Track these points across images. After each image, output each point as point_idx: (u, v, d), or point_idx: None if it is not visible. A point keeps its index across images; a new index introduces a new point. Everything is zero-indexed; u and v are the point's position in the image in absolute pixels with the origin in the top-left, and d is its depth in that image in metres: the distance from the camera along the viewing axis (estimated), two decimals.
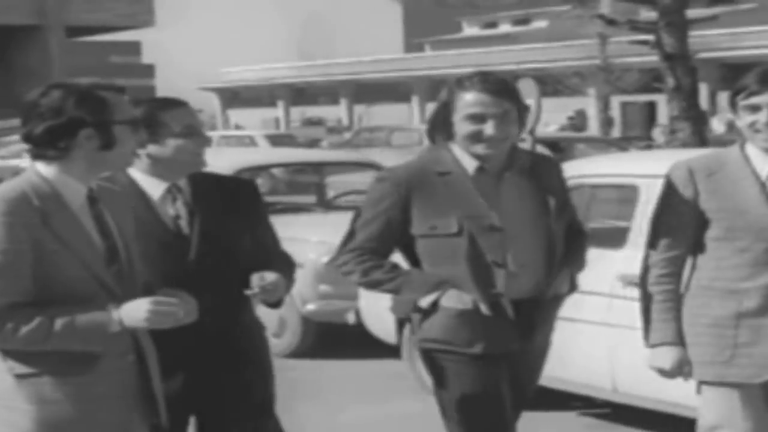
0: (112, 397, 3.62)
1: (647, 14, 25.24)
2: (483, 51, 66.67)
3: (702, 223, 4.26)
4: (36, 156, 3.60)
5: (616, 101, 51.65)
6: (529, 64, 55.69)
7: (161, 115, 4.29)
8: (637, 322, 4.22)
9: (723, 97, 55.98)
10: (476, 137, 4.28)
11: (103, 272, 3.59)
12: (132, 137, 3.68)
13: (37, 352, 3.50)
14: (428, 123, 4.50)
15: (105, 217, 3.68)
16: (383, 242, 4.38)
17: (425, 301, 4.32)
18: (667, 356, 4.31)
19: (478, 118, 4.27)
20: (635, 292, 6.41)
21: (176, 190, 4.37)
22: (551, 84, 42.03)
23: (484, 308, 4.25)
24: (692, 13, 22.88)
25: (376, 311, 8.42)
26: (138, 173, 4.33)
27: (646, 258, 4.41)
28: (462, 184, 4.32)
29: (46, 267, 3.49)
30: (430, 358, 4.41)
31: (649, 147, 32.23)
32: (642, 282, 4.44)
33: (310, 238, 9.32)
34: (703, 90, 55.98)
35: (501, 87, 4.33)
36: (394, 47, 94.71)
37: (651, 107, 53.09)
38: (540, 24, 79.00)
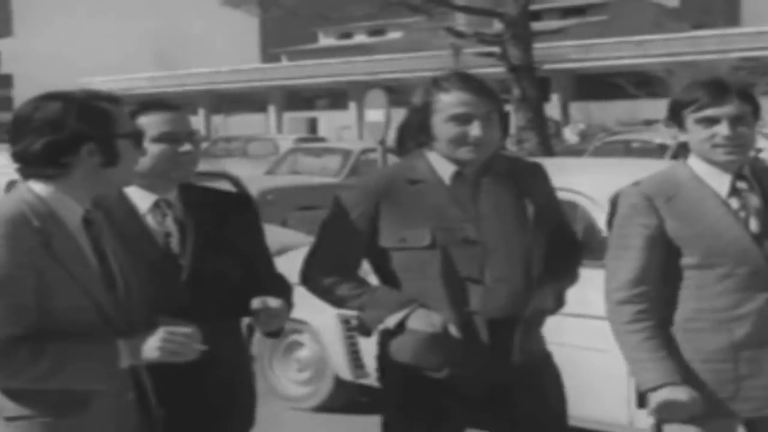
0: None
1: (499, 26, 25.78)
2: (339, 61, 67.00)
3: (671, 252, 3.92)
4: (30, 175, 3.27)
5: None
6: (384, 74, 56.17)
7: (138, 119, 3.91)
8: None
9: (575, 107, 57.17)
10: (462, 140, 3.98)
11: (104, 300, 3.27)
12: (134, 152, 3.39)
13: (33, 391, 3.18)
14: (399, 129, 4.18)
15: (102, 240, 3.36)
16: (350, 255, 4.10)
17: (390, 321, 3.98)
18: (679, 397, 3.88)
19: (463, 119, 3.98)
20: None
21: (165, 205, 3.99)
22: (405, 94, 42.38)
23: (453, 330, 3.89)
24: (539, 25, 23.46)
25: None
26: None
27: (613, 293, 3.99)
28: (435, 193, 4.01)
29: (45, 295, 3.14)
30: (396, 379, 4.11)
31: None
32: (615, 321, 4.01)
33: None
34: (555, 100, 57.17)
35: (483, 86, 4.05)
36: (251, 58, 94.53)
37: (505, 117, 53.92)
38: (395, 35, 79.55)
